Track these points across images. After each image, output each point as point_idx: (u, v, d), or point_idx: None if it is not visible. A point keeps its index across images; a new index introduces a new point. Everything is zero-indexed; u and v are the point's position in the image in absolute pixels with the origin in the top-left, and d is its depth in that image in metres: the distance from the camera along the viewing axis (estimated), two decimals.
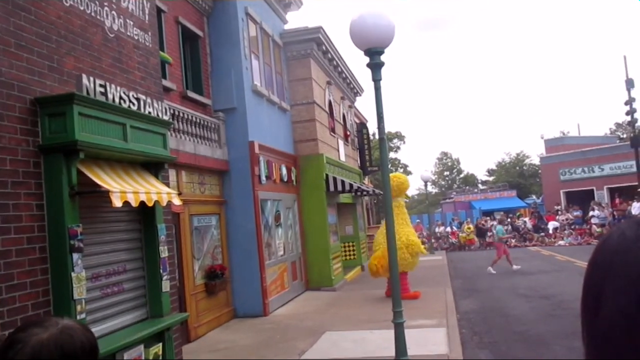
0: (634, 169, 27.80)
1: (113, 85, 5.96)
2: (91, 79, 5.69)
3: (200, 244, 11.64)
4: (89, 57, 5.99)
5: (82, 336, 1.43)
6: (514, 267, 18.26)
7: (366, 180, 27.48)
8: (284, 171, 15.10)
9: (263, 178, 13.41)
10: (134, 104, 6.20)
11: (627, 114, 25.79)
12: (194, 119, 11.48)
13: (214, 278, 11.72)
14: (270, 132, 14.40)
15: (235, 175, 12.90)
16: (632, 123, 26.34)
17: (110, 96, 5.85)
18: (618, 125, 59.03)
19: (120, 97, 6.02)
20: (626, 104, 25.54)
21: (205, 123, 12.04)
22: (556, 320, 10.35)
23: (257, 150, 13.06)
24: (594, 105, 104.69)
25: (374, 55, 6.77)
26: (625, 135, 47.04)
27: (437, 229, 33.25)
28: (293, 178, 15.95)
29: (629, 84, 25.44)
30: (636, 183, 26.67)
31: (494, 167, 67.14)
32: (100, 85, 5.76)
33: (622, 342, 1.00)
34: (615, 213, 27.39)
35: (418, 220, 37.18)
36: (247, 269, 12.74)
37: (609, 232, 1.22)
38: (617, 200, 30.13)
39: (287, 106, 16.29)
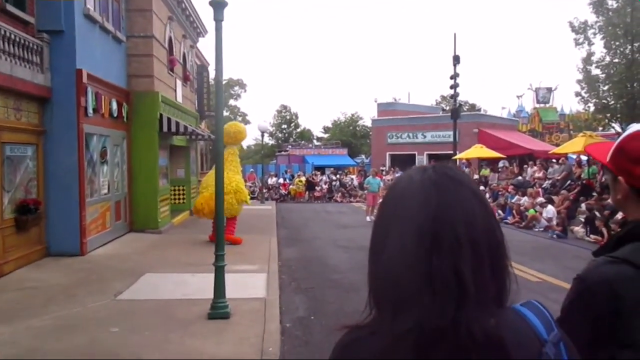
0: (451, 139, 30.47)
1: None
2: None
3: (12, 175, 10.66)
4: None
5: None
6: (368, 218, 19.78)
7: (203, 125, 26.95)
8: (115, 106, 14.26)
9: (90, 111, 12.55)
10: None
11: (451, 87, 27.97)
12: (12, 36, 10.32)
13: (26, 213, 10.86)
14: (101, 63, 13.44)
15: (58, 104, 11.90)
16: (454, 96, 28.68)
17: None
18: (443, 97, 63.93)
19: None
20: (451, 78, 27.67)
21: (26, 43, 10.88)
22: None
23: (85, 79, 12.14)
24: (425, 76, 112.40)
25: None
26: (448, 108, 51.19)
27: (269, 180, 33.79)
28: (124, 114, 15.13)
29: (456, 59, 27.53)
30: (451, 152, 29.29)
31: (330, 125, 69.42)
32: None
33: (402, 280, 1.09)
34: None
35: (252, 170, 37.45)
36: (65, 206, 11.95)
37: (400, 175, 1.31)
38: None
39: (123, 37, 15.27)
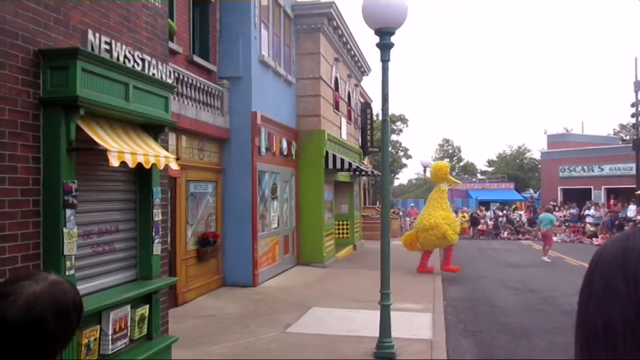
0: (633, 172, 27.79)
1: (119, 44, 5.88)
2: (97, 35, 5.61)
3: (195, 210, 11.64)
4: (96, 13, 5.91)
5: (73, 291, 1.44)
6: (545, 258, 18.80)
7: (366, 161, 27.43)
8: (285, 144, 15.05)
9: (263, 149, 13.37)
10: (138, 64, 6.13)
11: (633, 116, 25.73)
12: (198, 84, 11.39)
13: (206, 245, 11.75)
14: (273, 104, 14.32)
15: (235, 144, 12.86)
16: (636, 125, 26.27)
17: (115, 54, 5.77)
18: (622, 126, 58.80)
19: (125, 56, 5.94)
20: (632, 105, 25.46)
21: (209, 89, 11.95)
22: (540, 314, 10.42)
23: (259, 121, 13.00)
24: (600, 104, 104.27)
25: (385, 35, 6.70)
26: (628, 137, 46.97)
27: None
28: (293, 152, 15.91)
29: (637, 85, 25.30)
30: (634, 185, 26.67)
31: (494, 158, 67.05)
32: (106, 42, 5.68)
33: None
34: (609, 214, 27.40)
35: (412, 204, 37.22)
36: (239, 239, 12.76)
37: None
38: (611, 202, 30.15)
39: (293, 79, 16.17)
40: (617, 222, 25.54)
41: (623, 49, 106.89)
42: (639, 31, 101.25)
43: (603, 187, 34.48)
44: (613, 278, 1.03)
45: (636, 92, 25.40)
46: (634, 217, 24.46)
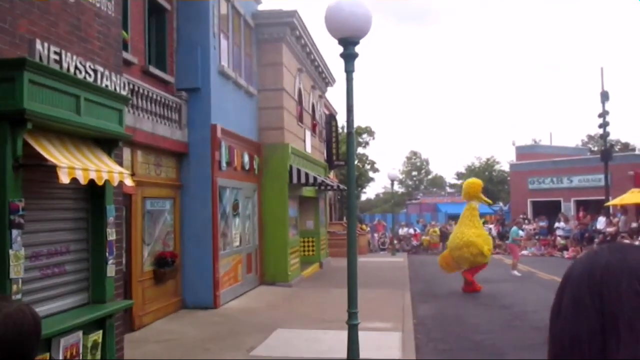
0: (602, 183, 28.55)
1: (69, 54, 5.81)
2: (45, 44, 5.54)
3: (152, 229, 11.49)
4: (45, 21, 5.83)
5: (35, 314, 1.59)
6: (515, 272, 19.12)
7: (331, 175, 27.55)
8: (246, 159, 15.02)
9: (224, 164, 13.31)
10: (90, 75, 6.06)
11: (600, 126, 26.48)
12: (154, 96, 11.30)
13: (164, 265, 11.60)
14: (234, 117, 14.29)
15: (194, 159, 12.76)
16: (604, 136, 27.06)
17: (65, 65, 5.70)
18: (590, 137, 60.54)
19: (76, 67, 5.87)
20: (600, 116, 26.21)
21: (166, 101, 11.87)
22: (513, 331, 10.57)
23: (219, 134, 12.95)
24: (568, 115, 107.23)
25: (349, 45, 6.76)
26: (596, 148, 48.31)
27: (400, 230, 33.55)
28: (255, 166, 15.87)
29: (604, 96, 26.09)
30: (603, 197, 27.39)
31: (463, 171, 68.07)
32: (55, 52, 5.61)
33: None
34: (578, 226, 28.01)
35: (379, 219, 37.45)
36: (199, 258, 12.63)
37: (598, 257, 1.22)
38: (580, 214, 30.85)
39: (255, 91, 16.18)
40: (587, 234, 26.14)
41: (589, 59, 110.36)
42: (605, 41, 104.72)
43: (572, 199, 35.28)
44: (580, 294, 1.09)
45: (603, 102, 26.19)
46: (604, 229, 25.06)
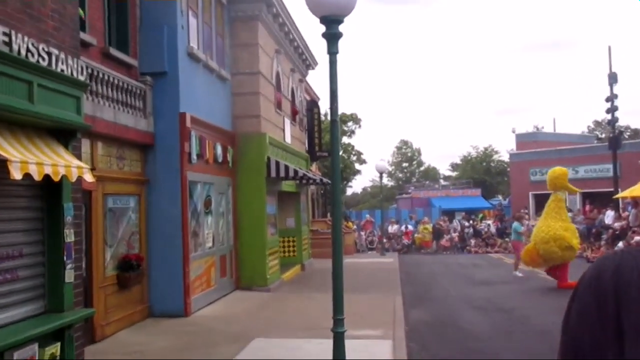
0: (610, 173, 28.85)
1: (19, 35, 5.77)
2: None
3: (115, 229, 11.44)
4: None
5: None
6: (517, 272, 19.24)
7: (314, 167, 27.60)
8: (219, 150, 14.99)
9: (194, 157, 13.27)
10: (43, 59, 6.02)
11: (608, 111, 26.72)
12: (115, 81, 11.23)
13: (129, 269, 11.56)
14: (205, 104, 14.24)
15: (161, 150, 12.72)
16: (612, 122, 27.32)
17: (15, 47, 5.65)
18: (597, 123, 61.20)
19: (28, 50, 5.83)
20: (607, 100, 26.42)
21: (129, 87, 11.80)
22: (513, 337, 10.71)
23: (188, 123, 12.91)
24: (572, 100, 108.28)
25: (331, 24, 6.78)
26: (604, 136, 48.84)
27: (390, 228, 33.69)
28: (229, 159, 15.84)
29: (612, 78, 26.27)
30: (611, 189, 27.68)
31: (459, 162, 68.62)
32: (4, 34, 5.57)
33: None
34: (585, 221, 28.28)
35: (368, 216, 37.59)
36: (168, 261, 12.60)
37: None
38: (587, 208, 31.17)
39: (228, 75, 16.14)
40: (594, 230, 26.41)
41: (596, 38, 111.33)
42: (612, 18, 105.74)
43: (578, 191, 35.65)
44: (586, 301, 1.17)
45: (611, 85, 26.37)
46: (612, 224, 25.32)
